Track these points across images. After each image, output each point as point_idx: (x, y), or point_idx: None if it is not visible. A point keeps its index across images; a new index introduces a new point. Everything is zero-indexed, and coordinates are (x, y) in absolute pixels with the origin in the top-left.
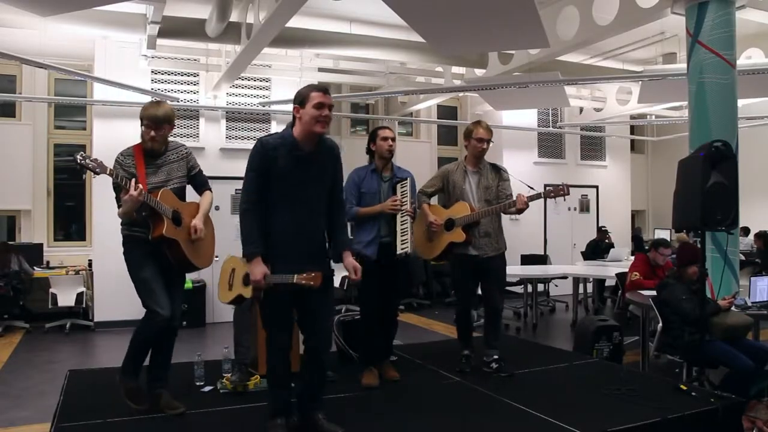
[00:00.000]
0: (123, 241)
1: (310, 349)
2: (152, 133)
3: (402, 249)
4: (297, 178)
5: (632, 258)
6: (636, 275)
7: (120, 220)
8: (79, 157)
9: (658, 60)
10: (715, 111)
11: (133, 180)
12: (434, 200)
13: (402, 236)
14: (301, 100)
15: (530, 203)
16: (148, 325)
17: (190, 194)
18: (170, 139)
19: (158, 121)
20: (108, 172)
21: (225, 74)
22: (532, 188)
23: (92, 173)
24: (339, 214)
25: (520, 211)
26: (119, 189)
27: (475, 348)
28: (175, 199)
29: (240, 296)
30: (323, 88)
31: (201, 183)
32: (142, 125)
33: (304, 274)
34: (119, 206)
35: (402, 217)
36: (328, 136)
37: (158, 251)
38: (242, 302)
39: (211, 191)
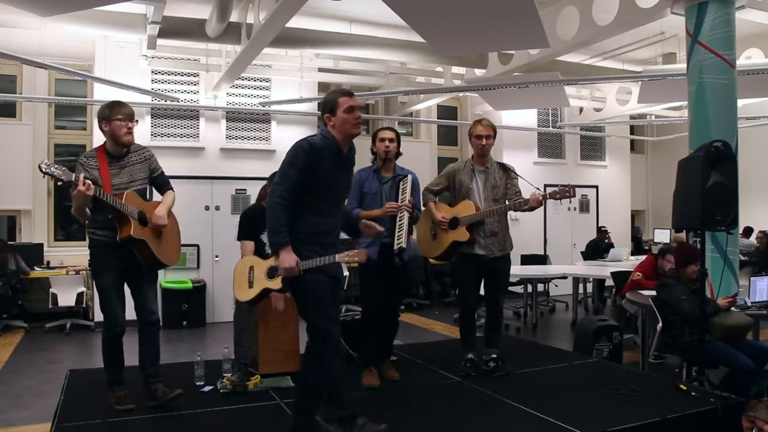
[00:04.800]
0: (88, 244)
1: None
2: (129, 124)
3: (398, 244)
4: (336, 181)
5: (632, 258)
6: (638, 275)
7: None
8: (43, 166)
9: (658, 60)
10: (715, 111)
11: (82, 175)
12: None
13: (398, 231)
14: (330, 107)
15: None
16: (106, 333)
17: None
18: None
19: (131, 115)
20: (74, 180)
21: (225, 74)
22: (538, 188)
23: (59, 182)
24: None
25: (533, 209)
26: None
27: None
28: (140, 200)
29: (266, 290)
30: (348, 92)
31: (163, 183)
32: (112, 122)
33: (346, 252)
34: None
35: (400, 212)
36: None
37: (123, 254)
38: (267, 296)
39: (173, 190)
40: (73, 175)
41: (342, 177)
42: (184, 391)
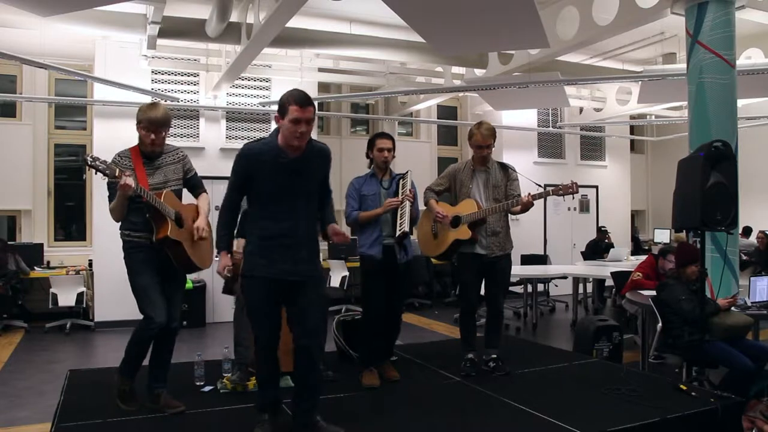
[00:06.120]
0: (123, 246)
1: (300, 349)
2: (152, 136)
3: (400, 229)
4: (281, 185)
5: (632, 258)
6: (638, 275)
7: (119, 225)
8: (89, 158)
9: (658, 60)
10: (715, 111)
11: (126, 172)
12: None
13: (400, 220)
14: (281, 109)
15: (535, 202)
16: (144, 330)
17: (190, 197)
18: (166, 141)
19: (158, 123)
20: (117, 175)
21: (225, 74)
22: (539, 185)
23: (101, 175)
24: (327, 199)
25: (523, 210)
26: (113, 188)
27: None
28: (176, 201)
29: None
30: (302, 100)
31: (197, 185)
32: (139, 128)
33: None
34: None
35: (402, 203)
36: (319, 139)
37: (158, 254)
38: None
39: (207, 193)
40: (116, 170)
41: (295, 179)
42: (185, 408)
